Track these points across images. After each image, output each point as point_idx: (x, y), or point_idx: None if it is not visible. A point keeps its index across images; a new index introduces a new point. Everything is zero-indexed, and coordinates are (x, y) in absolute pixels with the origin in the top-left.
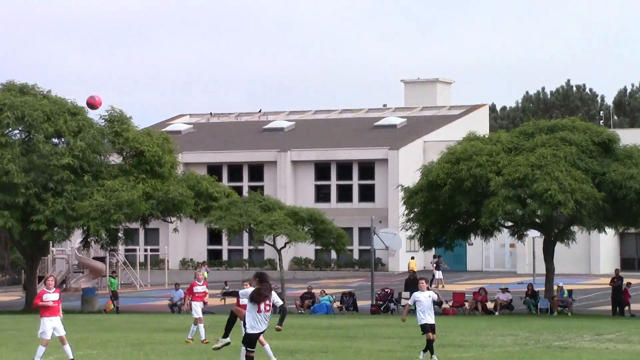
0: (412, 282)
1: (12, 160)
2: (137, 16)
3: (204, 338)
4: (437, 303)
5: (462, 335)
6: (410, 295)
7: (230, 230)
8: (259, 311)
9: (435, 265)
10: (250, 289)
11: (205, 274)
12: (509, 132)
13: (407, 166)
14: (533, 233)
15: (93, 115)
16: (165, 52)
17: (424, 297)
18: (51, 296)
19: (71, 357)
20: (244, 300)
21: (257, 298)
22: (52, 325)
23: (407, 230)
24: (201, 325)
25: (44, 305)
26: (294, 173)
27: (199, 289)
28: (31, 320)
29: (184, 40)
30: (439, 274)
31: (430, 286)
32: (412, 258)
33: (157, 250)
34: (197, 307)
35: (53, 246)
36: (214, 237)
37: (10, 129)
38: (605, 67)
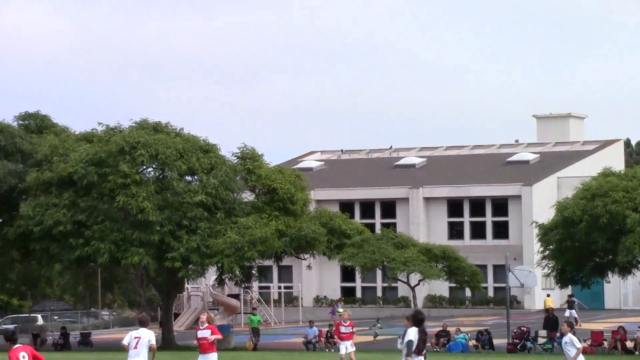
0: (550, 321)
1: (146, 198)
2: (268, 53)
3: None
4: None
5: None
6: (548, 334)
7: (363, 268)
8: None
9: (567, 304)
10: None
11: (341, 310)
12: None
13: (541, 202)
14: None
15: (225, 152)
16: (296, 89)
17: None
18: (201, 333)
19: None
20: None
21: (423, 347)
22: None
23: (542, 267)
24: None
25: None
26: (427, 210)
27: (344, 329)
28: (167, 357)
29: (314, 76)
30: (568, 312)
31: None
32: (548, 295)
33: (290, 287)
34: (342, 346)
35: (188, 283)
36: (347, 274)
37: (145, 167)
38: None
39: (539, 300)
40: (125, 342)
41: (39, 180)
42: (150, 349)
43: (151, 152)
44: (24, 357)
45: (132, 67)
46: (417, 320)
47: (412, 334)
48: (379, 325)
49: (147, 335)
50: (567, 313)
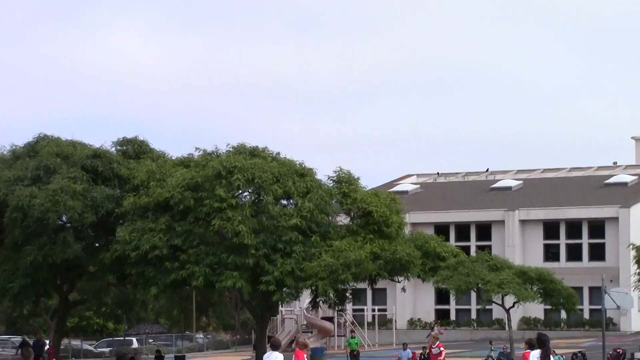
0: None
1: (242, 221)
2: (364, 78)
3: None
4: None
5: None
6: None
7: (458, 290)
8: None
9: None
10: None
11: (435, 332)
12: None
13: (638, 224)
14: None
15: (321, 176)
16: (392, 114)
17: None
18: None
19: None
20: None
21: None
22: None
23: (639, 289)
24: None
25: None
26: (522, 232)
27: (434, 350)
28: None
29: (411, 100)
30: None
31: None
32: None
33: (384, 310)
34: None
35: (282, 306)
36: (441, 296)
37: (241, 191)
38: None
39: (636, 322)
40: None
41: (136, 205)
42: None
43: (247, 176)
44: None
45: (230, 93)
46: (541, 342)
47: (536, 356)
48: (492, 347)
49: (279, 359)
50: None
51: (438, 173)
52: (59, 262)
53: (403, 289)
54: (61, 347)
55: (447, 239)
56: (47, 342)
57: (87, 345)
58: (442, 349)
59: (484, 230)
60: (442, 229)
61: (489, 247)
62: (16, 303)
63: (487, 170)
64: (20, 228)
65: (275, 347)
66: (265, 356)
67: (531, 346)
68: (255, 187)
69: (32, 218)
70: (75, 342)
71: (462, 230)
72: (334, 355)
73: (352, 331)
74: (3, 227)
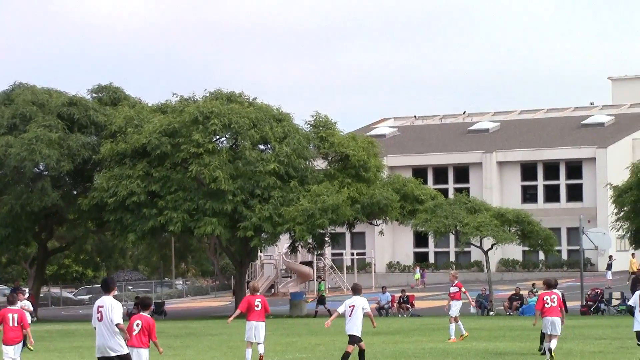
0: (638, 282)
1: (219, 167)
2: (340, 22)
3: (453, 337)
4: None
5: None
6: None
7: (436, 233)
8: None
9: None
10: None
11: (418, 275)
12: None
13: (615, 164)
14: None
15: (298, 121)
16: (368, 56)
17: None
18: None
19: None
20: None
21: None
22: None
23: (617, 229)
24: (453, 325)
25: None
26: (500, 174)
27: (451, 289)
28: (239, 324)
29: (387, 43)
30: None
31: None
32: (633, 256)
33: (363, 253)
34: (453, 307)
35: (261, 252)
36: (420, 239)
37: (218, 137)
38: None
39: (616, 262)
40: (340, 310)
41: (113, 152)
42: (367, 315)
43: (224, 121)
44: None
45: (206, 38)
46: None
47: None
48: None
49: (361, 303)
50: None
51: (415, 116)
52: (37, 210)
53: (381, 232)
54: (40, 295)
55: (425, 182)
56: (26, 290)
57: (66, 293)
58: (460, 288)
59: (462, 172)
60: (420, 172)
61: (467, 189)
62: None
63: (464, 112)
64: None
65: (357, 291)
66: (348, 302)
67: (549, 286)
68: (232, 133)
69: (9, 167)
70: (55, 290)
71: (440, 173)
72: (313, 299)
73: (319, 277)
74: None
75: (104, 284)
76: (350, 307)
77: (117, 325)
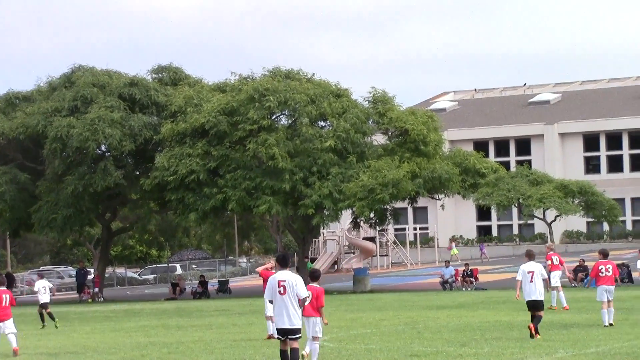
0: None
1: (276, 144)
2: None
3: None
4: None
5: None
6: None
7: (499, 206)
8: None
9: None
10: None
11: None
12: None
13: None
14: None
15: (357, 97)
16: (426, 33)
17: None
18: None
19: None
20: None
21: None
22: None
23: None
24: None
25: None
26: (562, 145)
27: (551, 261)
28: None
29: (446, 19)
30: None
31: None
32: None
33: (426, 228)
34: (553, 277)
35: (323, 228)
36: (482, 213)
37: (276, 114)
38: None
39: None
40: (519, 277)
41: (173, 132)
42: (543, 280)
43: (280, 98)
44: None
45: (266, 18)
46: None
47: None
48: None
49: (539, 268)
50: None
51: (475, 89)
52: (100, 190)
53: (442, 207)
54: (106, 275)
55: (487, 155)
56: (92, 270)
57: (131, 273)
58: (552, 261)
59: (524, 145)
60: (481, 146)
61: (529, 161)
62: (60, 233)
63: (525, 84)
64: (60, 158)
65: (531, 256)
66: (525, 267)
67: (604, 256)
68: (290, 110)
69: (72, 148)
70: (120, 270)
71: (501, 146)
72: (376, 275)
73: (305, 257)
74: (43, 159)
75: (282, 259)
76: (529, 272)
77: (304, 298)
